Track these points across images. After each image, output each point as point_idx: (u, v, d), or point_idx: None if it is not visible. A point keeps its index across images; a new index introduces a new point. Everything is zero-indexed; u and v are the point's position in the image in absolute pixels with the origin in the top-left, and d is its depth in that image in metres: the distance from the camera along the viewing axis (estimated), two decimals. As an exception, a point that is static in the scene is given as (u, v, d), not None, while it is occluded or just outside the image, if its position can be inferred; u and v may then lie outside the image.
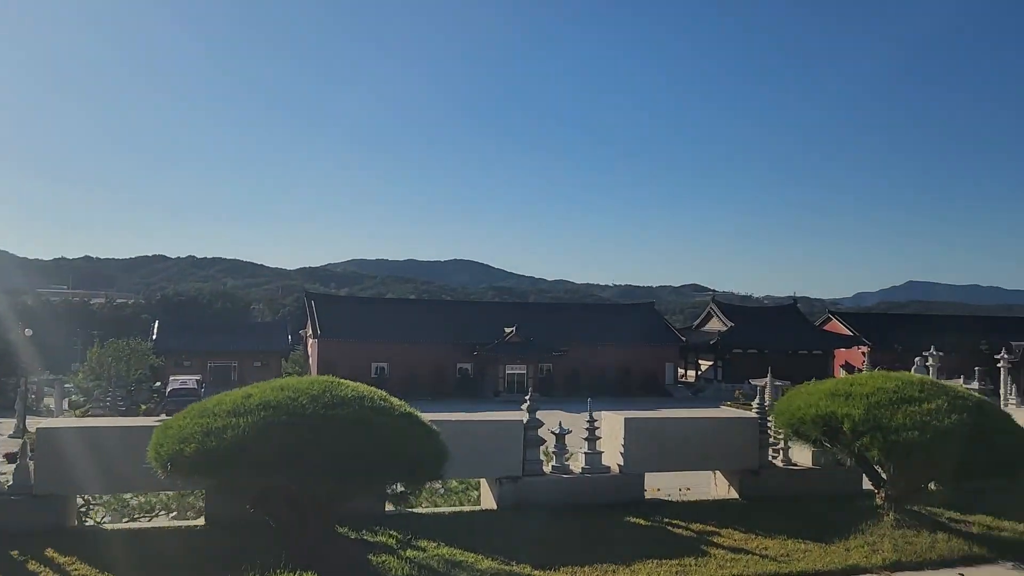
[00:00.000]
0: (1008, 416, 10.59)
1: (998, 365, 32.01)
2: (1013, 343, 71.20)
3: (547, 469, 11.85)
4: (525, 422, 11.64)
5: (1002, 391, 29.25)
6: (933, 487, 10.93)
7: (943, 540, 9.86)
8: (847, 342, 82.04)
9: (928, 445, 9.16)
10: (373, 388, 8.74)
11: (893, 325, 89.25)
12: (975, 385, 23.48)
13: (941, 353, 30.04)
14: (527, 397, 12.04)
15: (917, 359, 25.68)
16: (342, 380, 8.65)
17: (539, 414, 11.96)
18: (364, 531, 9.53)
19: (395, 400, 8.72)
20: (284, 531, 8.21)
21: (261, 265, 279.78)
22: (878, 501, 10.97)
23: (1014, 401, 26.08)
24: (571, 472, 11.81)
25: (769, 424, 12.70)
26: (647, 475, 12.25)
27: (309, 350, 74.41)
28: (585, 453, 11.92)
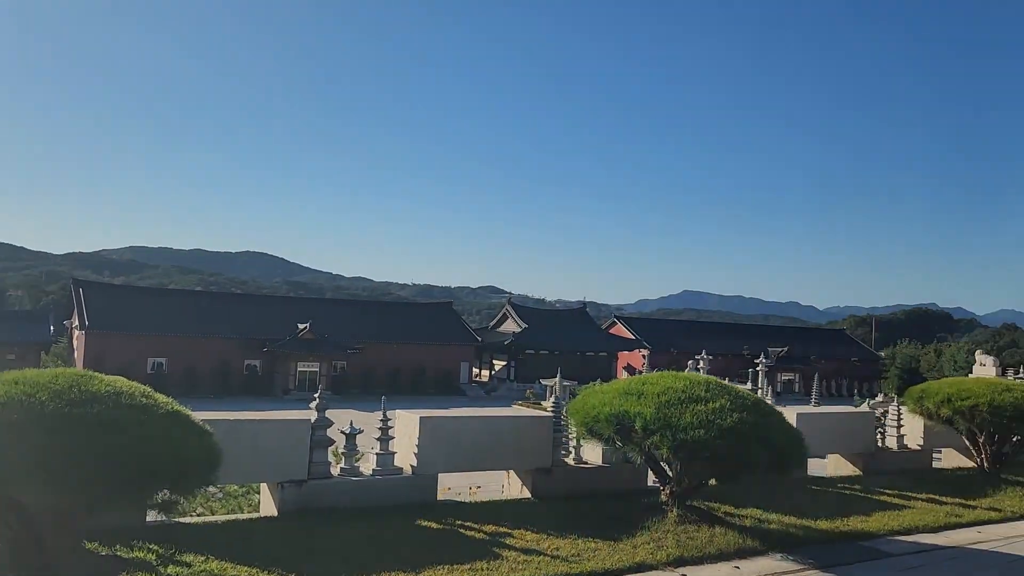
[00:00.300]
0: (781, 414, 11.25)
1: (757, 368, 35.48)
2: (770, 348, 79.09)
3: (336, 471, 11.12)
4: (313, 422, 10.84)
5: (760, 392, 32.18)
6: (714, 482, 11.38)
7: (720, 534, 10.24)
8: (629, 345, 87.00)
9: (713, 443, 9.46)
10: (135, 384, 7.65)
11: (670, 330, 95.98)
12: (748, 386, 25.42)
13: (711, 357, 32.63)
14: (316, 395, 11.23)
15: (690, 361, 27.51)
16: (96, 374, 7.48)
17: (331, 413, 11.23)
18: (119, 546, 8.34)
19: (161, 397, 7.68)
20: (14, 549, 6.93)
21: (21, 247, 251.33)
22: (663, 497, 11.26)
23: (770, 401, 28.62)
24: (361, 474, 11.17)
25: (564, 423, 12.75)
26: (440, 475, 11.86)
27: (75, 343, 67.53)
28: (377, 454, 11.31)
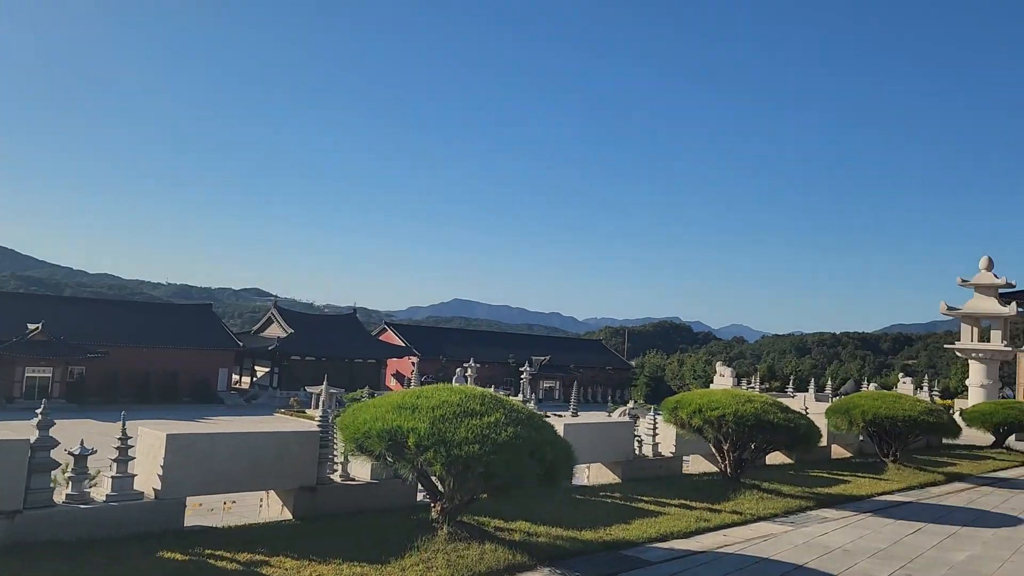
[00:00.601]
0: (552, 427, 11.29)
1: (521, 377, 36.95)
2: (533, 357, 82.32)
3: (61, 499, 9.60)
4: (33, 442, 9.28)
5: (530, 404, 33.31)
6: (485, 497, 11.18)
7: (491, 550, 10.03)
8: (399, 352, 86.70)
9: (487, 458, 9.23)
10: None
11: (440, 337, 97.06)
12: (520, 397, 26.03)
13: (478, 365, 33.27)
14: (39, 410, 9.64)
15: (458, 369, 27.77)
16: None
17: (68, 424, 9.76)
18: None
19: None
20: None
21: None
22: (434, 514, 10.90)
23: (532, 406, 29.70)
24: (93, 501, 9.73)
25: (331, 437, 12.02)
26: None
27: None
28: (113, 477, 9.92)
